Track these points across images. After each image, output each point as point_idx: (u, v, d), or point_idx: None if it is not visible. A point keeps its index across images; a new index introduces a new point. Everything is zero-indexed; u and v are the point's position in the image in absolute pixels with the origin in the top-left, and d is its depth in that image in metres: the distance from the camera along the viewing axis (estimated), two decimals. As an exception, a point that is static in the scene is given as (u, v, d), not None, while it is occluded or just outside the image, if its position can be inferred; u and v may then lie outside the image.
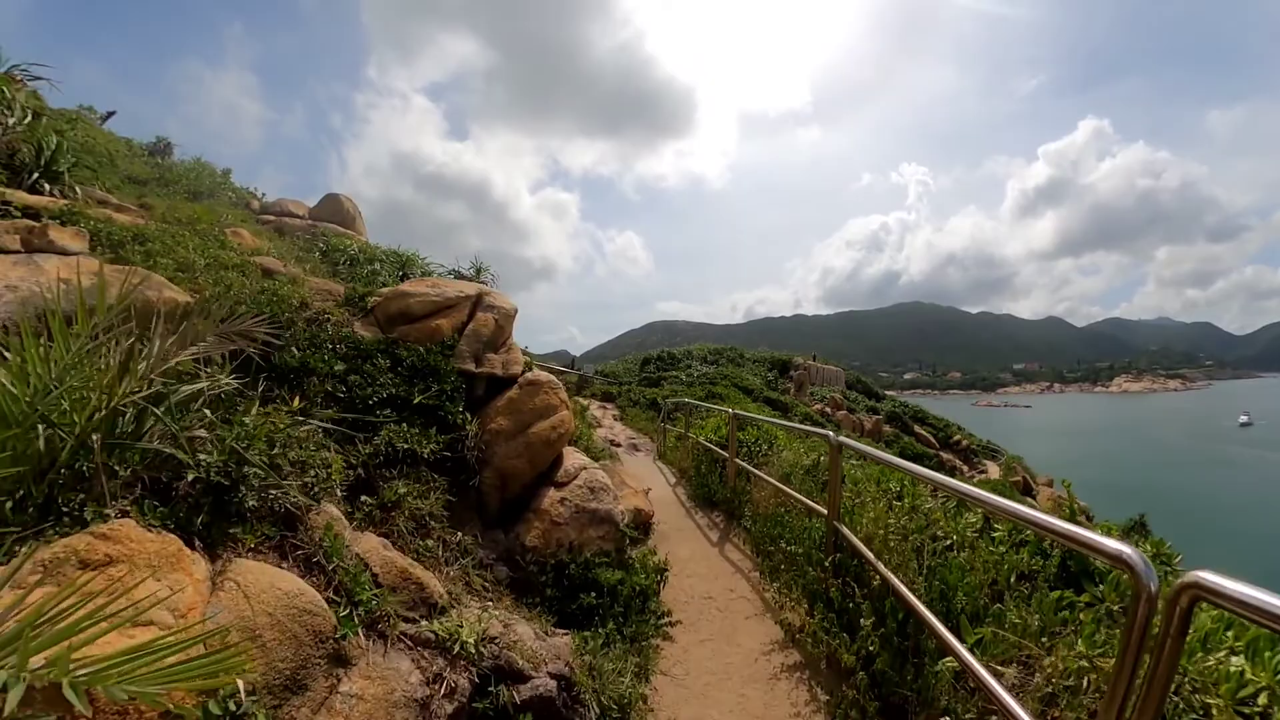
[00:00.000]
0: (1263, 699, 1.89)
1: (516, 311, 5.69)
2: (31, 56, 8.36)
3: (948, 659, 2.73)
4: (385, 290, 5.44)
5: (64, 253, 3.99)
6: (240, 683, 1.71)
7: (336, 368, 4.18)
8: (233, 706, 1.70)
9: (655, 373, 29.69)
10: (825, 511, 4.17)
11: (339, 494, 3.05)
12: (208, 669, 1.30)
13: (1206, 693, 2.06)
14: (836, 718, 3.20)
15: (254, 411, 2.75)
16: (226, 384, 2.69)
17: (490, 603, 3.68)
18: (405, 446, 3.96)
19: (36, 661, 1.16)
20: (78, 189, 6.50)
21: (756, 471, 6.24)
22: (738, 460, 6.94)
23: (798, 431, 7.17)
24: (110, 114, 13.21)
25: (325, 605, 2.18)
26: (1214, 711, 1.95)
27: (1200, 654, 2.14)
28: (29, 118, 6.88)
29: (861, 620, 3.29)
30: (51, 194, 6.01)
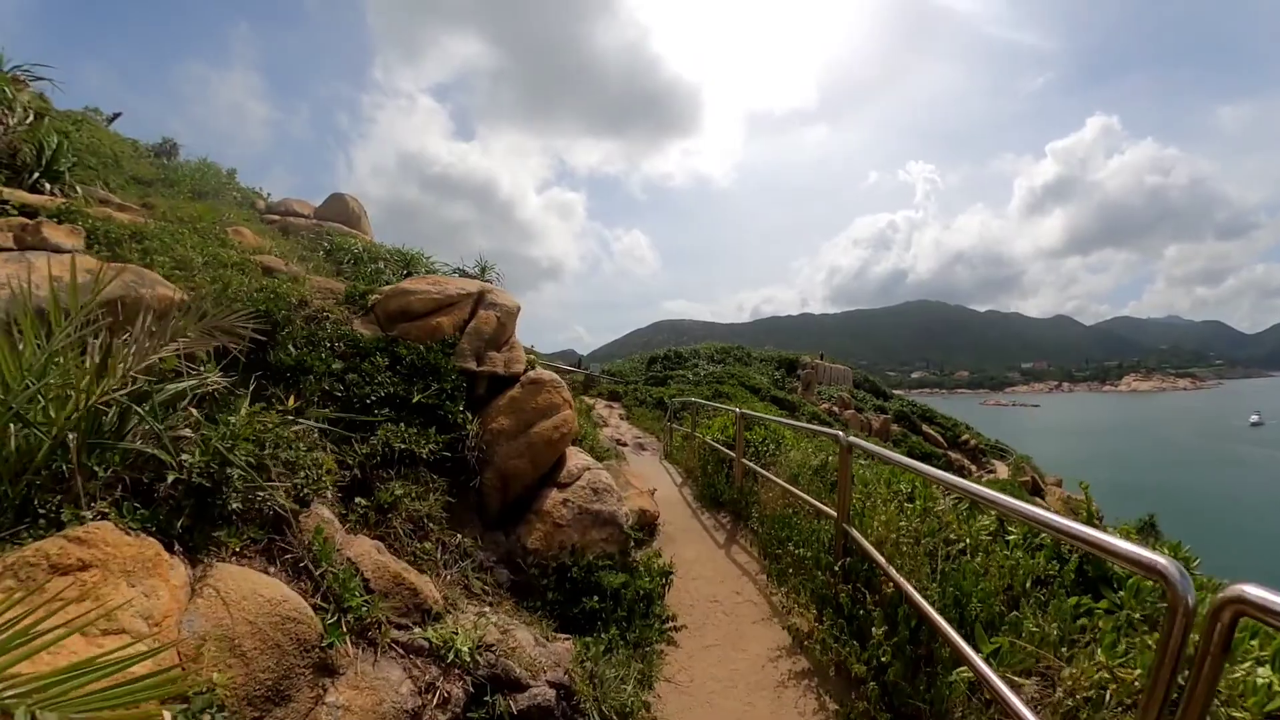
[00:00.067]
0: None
1: (519, 309, 5.60)
2: (37, 59, 8.34)
3: (962, 669, 2.62)
4: (386, 288, 5.36)
5: (57, 250, 3.92)
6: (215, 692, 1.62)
7: (334, 366, 4.09)
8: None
9: (662, 372, 29.58)
10: (834, 514, 4.05)
11: (330, 495, 2.96)
12: (155, 689, 1.20)
13: (1233, 705, 1.95)
14: (846, 728, 3.09)
15: (243, 410, 2.66)
16: (215, 382, 2.60)
17: (490, 607, 3.59)
18: (403, 447, 3.87)
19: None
20: (78, 188, 6.46)
21: (764, 472, 6.13)
22: (745, 460, 6.83)
23: (806, 431, 7.05)
24: (116, 115, 13.23)
25: (311, 612, 2.09)
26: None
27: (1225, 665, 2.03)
28: (30, 118, 6.86)
29: (874, 629, 3.18)
30: (52, 193, 5.98)
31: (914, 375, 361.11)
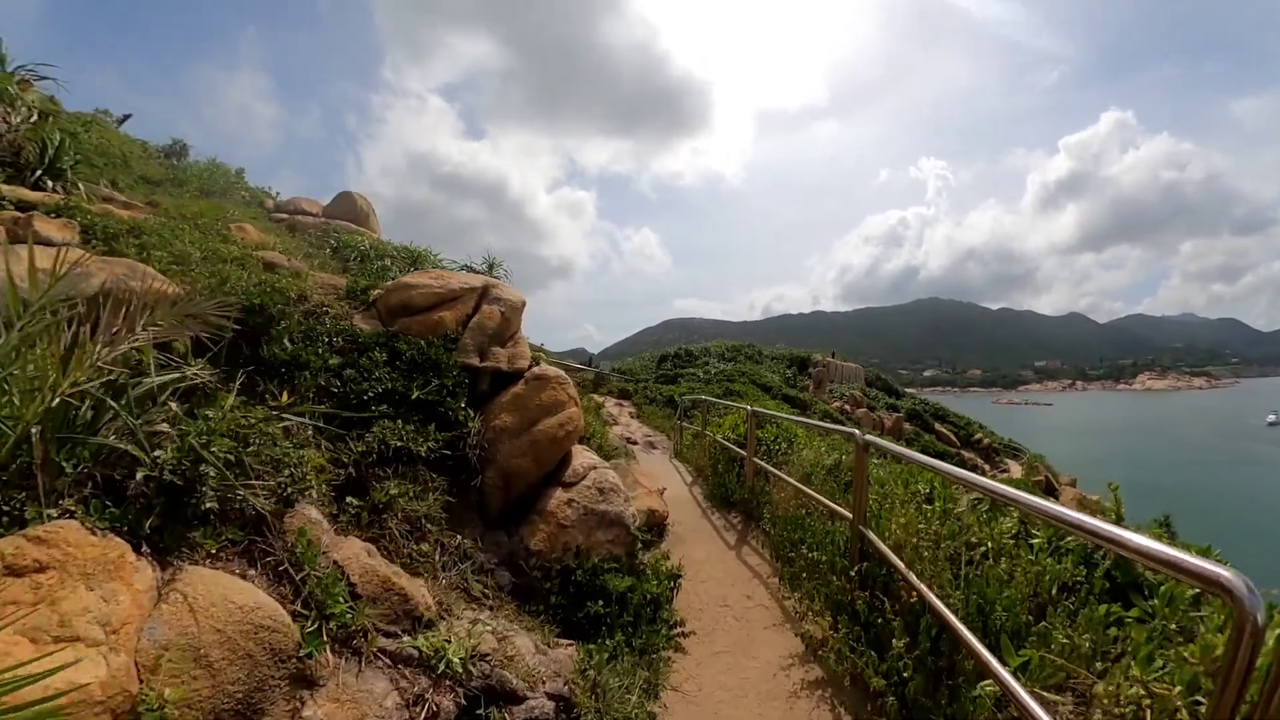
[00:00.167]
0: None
1: (525, 304, 5.46)
2: (50, 63, 8.36)
3: (987, 682, 2.45)
4: (388, 283, 5.25)
5: (48, 243, 3.84)
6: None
7: (331, 361, 3.98)
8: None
9: (672, 370, 29.38)
10: (850, 515, 3.87)
11: (316, 495, 2.82)
12: (100, 703, 1.07)
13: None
14: (863, 743, 2.93)
15: (229, 405, 2.54)
16: (197, 375, 2.48)
17: (490, 611, 3.45)
18: (399, 444, 3.74)
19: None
20: (81, 186, 6.41)
21: (776, 471, 5.95)
22: (756, 459, 6.66)
23: (818, 429, 6.85)
24: (126, 117, 13.26)
25: (288, 619, 1.95)
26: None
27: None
28: (34, 117, 6.83)
29: (894, 640, 2.99)
30: (54, 190, 5.94)
31: (926, 373, 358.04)
